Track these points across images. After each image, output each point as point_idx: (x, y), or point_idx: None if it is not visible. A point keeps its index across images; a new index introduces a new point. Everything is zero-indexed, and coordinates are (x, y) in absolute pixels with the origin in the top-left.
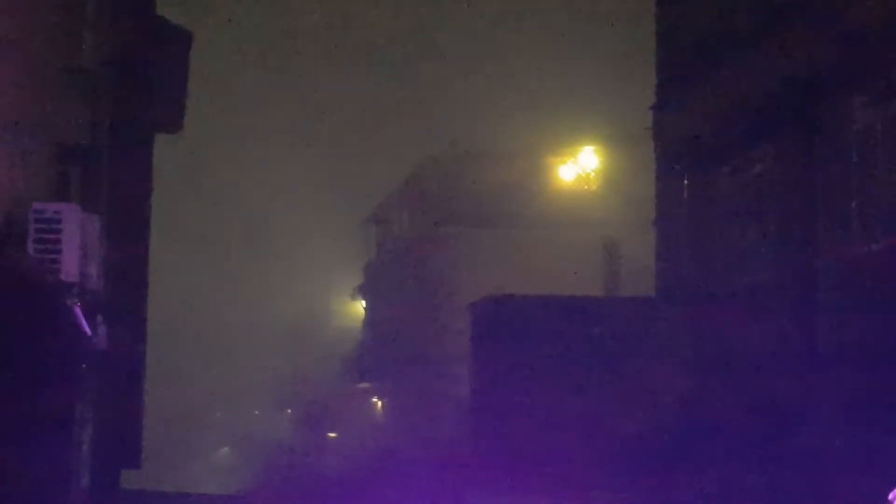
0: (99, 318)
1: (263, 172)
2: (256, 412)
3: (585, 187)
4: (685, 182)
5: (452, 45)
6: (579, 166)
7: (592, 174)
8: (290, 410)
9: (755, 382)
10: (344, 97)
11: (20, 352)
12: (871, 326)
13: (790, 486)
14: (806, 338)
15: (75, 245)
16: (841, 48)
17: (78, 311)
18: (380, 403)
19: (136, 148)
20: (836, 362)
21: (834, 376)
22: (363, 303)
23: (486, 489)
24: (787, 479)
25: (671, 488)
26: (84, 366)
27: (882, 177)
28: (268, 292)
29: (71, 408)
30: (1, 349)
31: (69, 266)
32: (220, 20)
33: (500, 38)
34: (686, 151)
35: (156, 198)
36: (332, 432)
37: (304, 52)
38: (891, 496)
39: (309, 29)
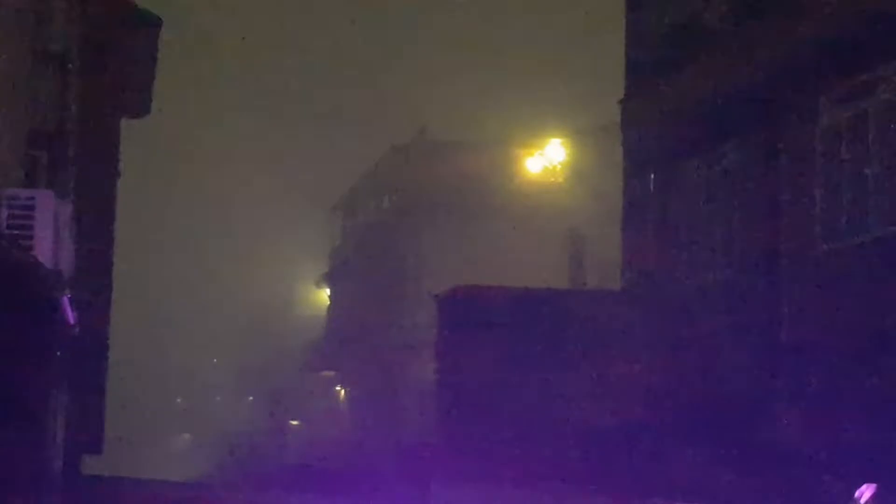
0: (73, 304)
1: (229, 159)
2: (218, 399)
3: (552, 180)
4: (652, 176)
5: (422, 34)
6: (546, 158)
7: (559, 167)
8: (251, 398)
9: (720, 377)
10: (312, 86)
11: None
12: (834, 322)
13: (755, 482)
14: (770, 333)
15: (49, 232)
16: (808, 46)
17: (66, 300)
18: (343, 392)
19: (102, 133)
20: (799, 357)
21: (797, 371)
22: (328, 291)
23: (451, 479)
24: (751, 474)
25: (638, 481)
26: (58, 353)
27: (846, 175)
28: (232, 279)
29: (48, 394)
30: None
31: (43, 253)
32: (189, 6)
33: (469, 28)
34: (653, 145)
35: (122, 183)
36: (294, 420)
37: (270, 41)
38: (857, 493)
39: (274, 18)
